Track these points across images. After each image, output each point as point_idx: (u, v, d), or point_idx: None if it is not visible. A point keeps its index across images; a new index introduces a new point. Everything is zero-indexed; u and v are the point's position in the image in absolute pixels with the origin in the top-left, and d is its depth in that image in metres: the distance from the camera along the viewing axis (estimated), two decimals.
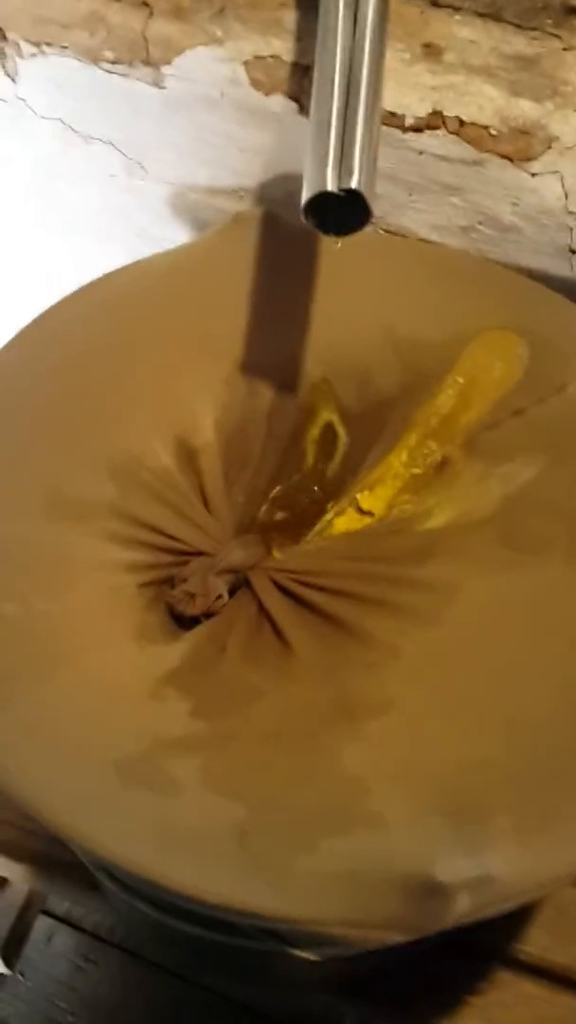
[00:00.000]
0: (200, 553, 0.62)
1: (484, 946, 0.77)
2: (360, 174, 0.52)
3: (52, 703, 0.53)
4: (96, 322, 0.69)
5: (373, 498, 0.66)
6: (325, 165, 0.52)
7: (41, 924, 1.20)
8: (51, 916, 1.22)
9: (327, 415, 0.68)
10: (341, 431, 0.68)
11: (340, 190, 0.52)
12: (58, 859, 0.81)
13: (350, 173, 0.52)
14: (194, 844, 0.49)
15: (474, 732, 0.52)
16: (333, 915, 0.47)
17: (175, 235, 0.84)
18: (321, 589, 0.59)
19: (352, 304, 0.69)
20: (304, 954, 0.55)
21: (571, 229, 0.68)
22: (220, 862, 0.48)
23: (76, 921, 1.22)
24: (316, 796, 0.50)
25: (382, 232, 0.75)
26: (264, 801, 0.50)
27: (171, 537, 0.62)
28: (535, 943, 0.78)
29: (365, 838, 0.49)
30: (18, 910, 1.04)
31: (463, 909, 0.47)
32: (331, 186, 0.52)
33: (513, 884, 0.48)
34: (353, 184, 0.51)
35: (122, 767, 0.51)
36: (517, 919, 0.79)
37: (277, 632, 0.58)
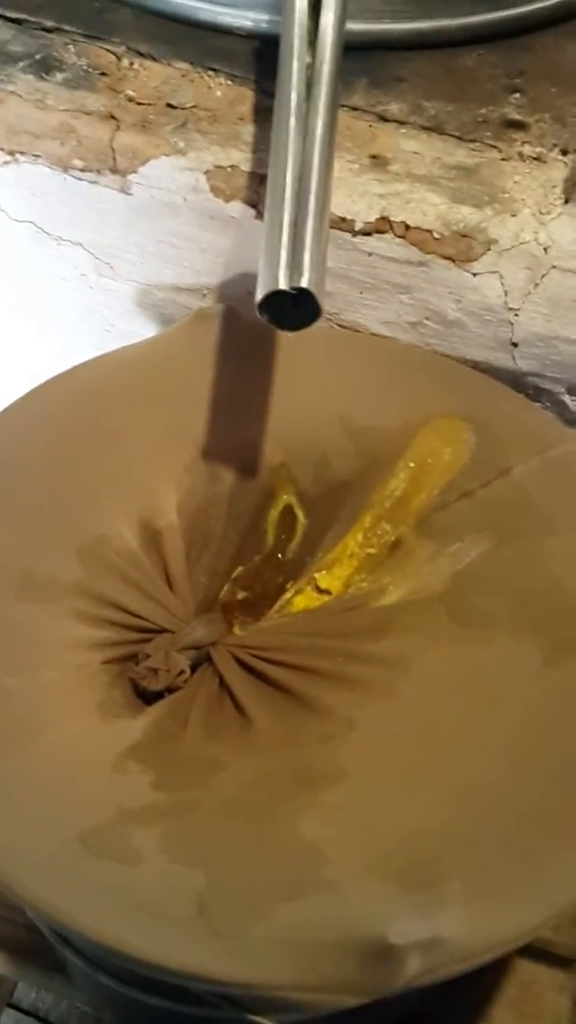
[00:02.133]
0: (163, 630, 0.64)
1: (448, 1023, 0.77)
2: (310, 273, 0.55)
3: (19, 775, 0.55)
4: (65, 411, 0.72)
5: (330, 577, 0.68)
6: (277, 266, 0.55)
7: (7, 1018, 1.18)
8: (18, 1009, 1.20)
9: (286, 498, 0.71)
10: (299, 513, 0.70)
11: (292, 288, 0.54)
12: (28, 944, 0.81)
13: (300, 273, 0.55)
14: (155, 912, 0.50)
15: (427, 801, 0.54)
16: (288, 979, 0.48)
17: (142, 329, 0.87)
18: (280, 664, 0.61)
19: (309, 393, 0.72)
20: (263, 1021, 0.56)
21: (511, 324, 0.72)
22: (180, 929, 0.49)
23: (43, 1014, 1.20)
24: (273, 864, 0.52)
25: (336, 327, 0.78)
26: (223, 869, 0.51)
27: (135, 615, 0.64)
28: (499, 1021, 0.79)
29: (320, 904, 0.50)
30: None
31: (414, 971, 0.48)
32: (283, 284, 0.55)
33: (464, 946, 0.49)
34: (303, 283, 0.54)
35: (86, 837, 0.52)
36: (481, 996, 0.80)
37: (237, 706, 0.60)
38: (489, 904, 0.51)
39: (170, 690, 0.61)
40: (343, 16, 0.66)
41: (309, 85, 0.64)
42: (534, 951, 0.80)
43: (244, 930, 0.49)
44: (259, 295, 0.55)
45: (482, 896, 0.51)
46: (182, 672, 0.61)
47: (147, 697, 0.62)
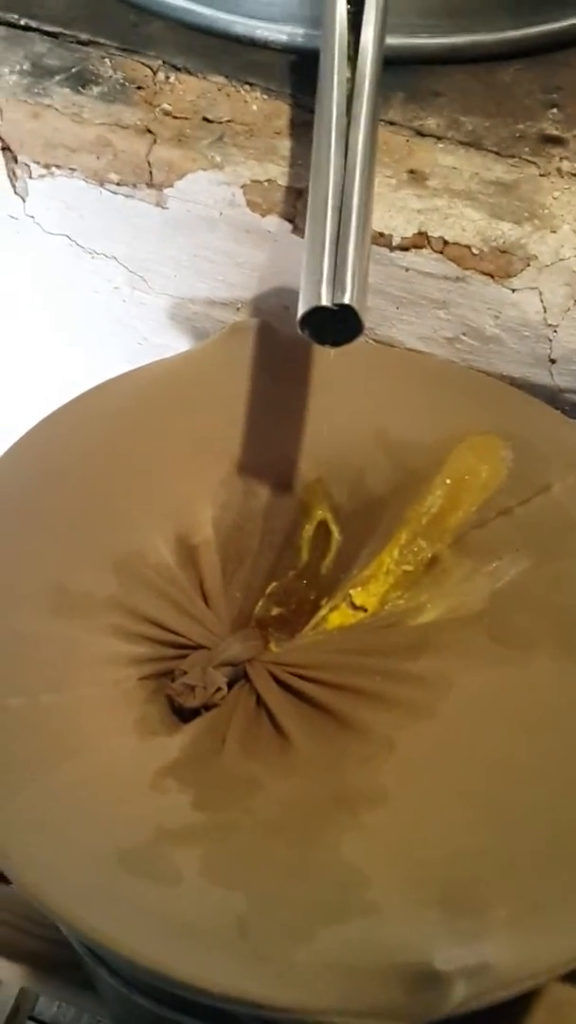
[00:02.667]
0: (199, 647, 0.63)
1: None
2: (352, 290, 0.54)
3: (57, 794, 0.55)
4: (97, 425, 0.72)
5: (366, 594, 0.68)
6: (320, 282, 0.55)
7: None
8: (39, 1022, 1.19)
9: (321, 513, 0.70)
10: (335, 529, 0.70)
11: (334, 304, 0.54)
12: (52, 959, 0.81)
13: (343, 289, 0.54)
14: (195, 934, 0.49)
15: (468, 823, 0.54)
16: (332, 1004, 0.48)
17: (174, 343, 0.87)
18: (317, 682, 0.61)
19: (344, 409, 0.72)
20: None
21: (550, 340, 0.71)
22: (221, 952, 0.49)
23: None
24: (315, 886, 0.51)
25: (372, 342, 0.78)
26: (264, 892, 0.51)
27: (171, 631, 0.63)
28: None
29: (363, 928, 0.49)
30: (6, 1016, 1.02)
31: (460, 998, 0.47)
32: (325, 301, 0.54)
33: (510, 972, 0.49)
34: (346, 299, 0.54)
35: (125, 857, 0.52)
36: (508, 1018, 0.79)
37: (275, 724, 0.59)
38: (533, 929, 0.50)
39: (207, 707, 0.61)
40: (383, 30, 0.65)
41: (349, 100, 0.64)
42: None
43: (286, 953, 0.49)
44: (301, 311, 0.55)
45: (526, 920, 0.50)
46: (219, 689, 0.61)
47: (184, 714, 0.61)
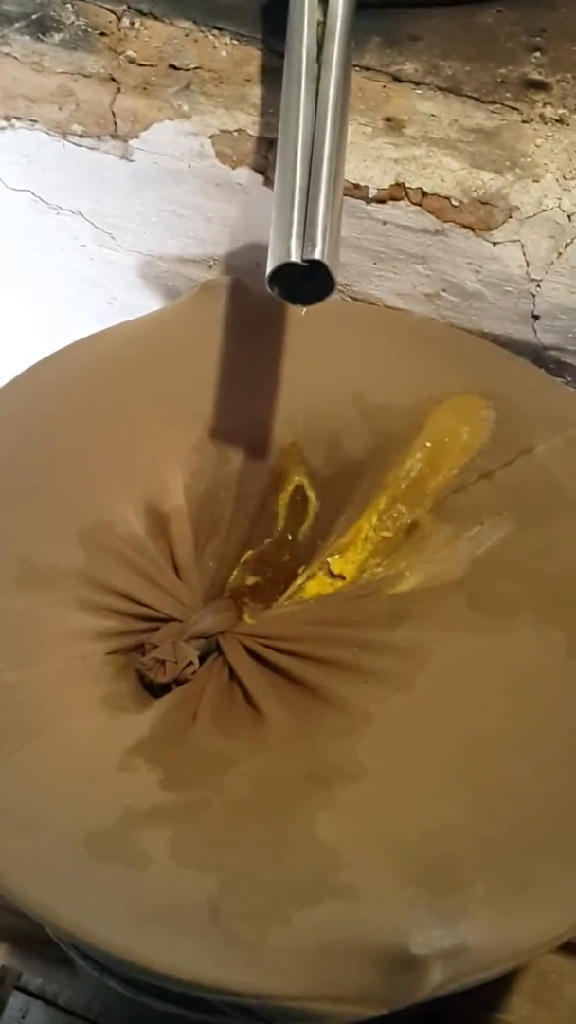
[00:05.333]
0: (170, 619, 0.61)
1: (464, 1016, 0.76)
2: (323, 245, 0.52)
3: (21, 775, 0.53)
4: (65, 389, 0.69)
5: (344, 561, 0.66)
6: (289, 236, 0.53)
7: (15, 1000, 1.17)
8: (25, 992, 1.18)
9: (297, 479, 0.68)
10: (311, 495, 0.68)
11: (304, 260, 0.52)
12: (31, 935, 0.79)
13: (313, 244, 0.52)
14: (165, 920, 0.48)
15: (447, 799, 0.52)
16: (306, 990, 0.46)
17: (145, 302, 0.84)
18: (293, 654, 0.59)
19: (320, 370, 0.69)
20: None
21: (533, 296, 0.69)
22: (192, 938, 0.47)
23: (51, 997, 1.18)
24: (288, 867, 0.49)
25: (349, 300, 0.75)
26: (235, 874, 0.49)
27: (141, 603, 0.61)
28: (516, 1012, 0.77)
29: (338, 910, 0.48)
30: None
31: (438, 981, 0.46)
32: (295, 257, 0.52)
33: (489, 954, 0.47)
34: (316, 255, 0.52)
35: (92, 841, 0.50)
36: (498, 987, 0.78)
37: (248, 699, 0.57)
38: (514, 908, 0.48)
39: (178, 682, 0.59)
40: None
41: (320, 44, 0.61)
42: None
43: (258, 938, 0.47)
44: (269, 268, 0.53)
45: (507, 900, 0.49)
46: (190, 663, 0.59)
47: (154, 689, 0.59)
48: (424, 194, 0.67)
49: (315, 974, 0.46)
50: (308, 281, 0.53)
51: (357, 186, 0.68)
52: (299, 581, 0.66)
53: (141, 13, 0.74)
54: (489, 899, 0.48)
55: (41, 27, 0.74)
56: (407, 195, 0.68)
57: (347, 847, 0.50)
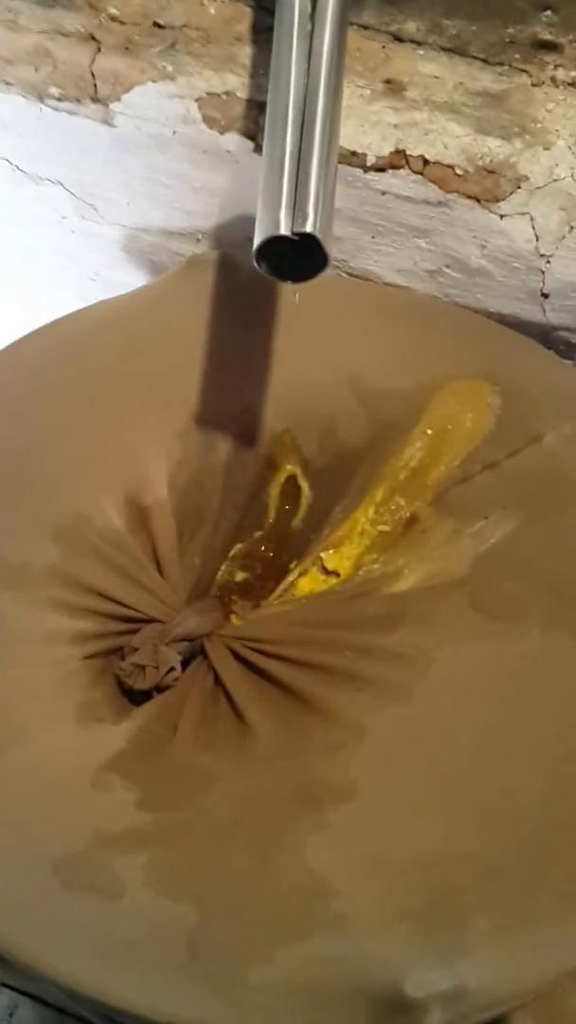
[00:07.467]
0: (151, 620, 0.58)
1: None
2: (315, 217, 0.49)
3: None
4: (41, 372, 0.66)
5: (338, 557, 0.62)
6: (278, 207, 0.49)
7: (3, 998, 1.15)
8: (12, 989, 1.16)
9: (289, 468, 0.65)
10: (304, 485, 0.65)
11: (294, 234, 0.48)
12: None
13: (304, 216, 0.49)
14: (139, 955, 0.44)
15: (448, 822, 0.48)
16: None
17: (129, 279, 0.81)
18: (282, 659, 0.56)
19: (314, 352, 0.66)
20: None
21: (542, 272, 0.66)
22: (168, 976, 0.44)
23: (39, 994, 1.16)
24: (273, 898, 0.46)
25: (345, 276, 0.72)
26: (216, 905, 0.46)
27: (120, 603, 0.58)
28: None
29: (327, 945, 0.44)
30: None
31: None
32: (284, 230, 0.49)
33: (490, 994, 0.44)
34: (308, 228, 0.48)
35: (61, 867, 0.47)
36: None
37: (234, 709, 0.54)
38: (518, 943, 0.45)
39: (159, 689, 0.55)
40: None
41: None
42: None
43: (240, 976, 0.44)
44: (256, 241, 0.49)
45: (510, 934, 0.45)
46: (172, 669, 0.55)
47: (133, 696, 0.56)
48: (426, 162, 0.64)
49: (300, 1015, 0.43)
50: (299, 256, 0.50)
51: (354, 153, 0.65)
52: (291, 578, 0.63)
53: None
54: (491, 933, 0.45)
55: None
56: (408, 163, 0.64)
57: (338, 875, 0.47)
